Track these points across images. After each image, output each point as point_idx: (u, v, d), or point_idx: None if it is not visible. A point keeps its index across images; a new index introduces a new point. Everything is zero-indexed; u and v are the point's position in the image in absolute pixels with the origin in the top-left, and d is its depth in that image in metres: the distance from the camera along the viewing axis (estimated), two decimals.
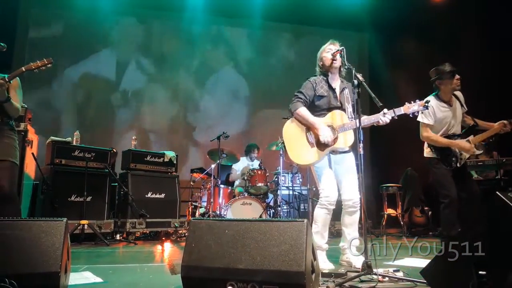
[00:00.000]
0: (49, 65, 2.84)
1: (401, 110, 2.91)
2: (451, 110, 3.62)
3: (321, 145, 2.97)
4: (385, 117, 2.88)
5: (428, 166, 3.72)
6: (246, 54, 8.62)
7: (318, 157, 2.96)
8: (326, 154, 2.98)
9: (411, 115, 2.91)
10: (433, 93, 3.66)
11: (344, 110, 3.06)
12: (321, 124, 2.95)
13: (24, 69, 2.79)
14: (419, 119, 3.57)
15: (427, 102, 2.88)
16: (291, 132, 3.08)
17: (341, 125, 2.96)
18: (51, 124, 6.94)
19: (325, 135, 2.91)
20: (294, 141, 3.04)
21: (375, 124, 2.97)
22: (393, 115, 2.91)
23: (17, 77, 2.91)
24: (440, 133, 3.62)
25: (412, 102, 2.91)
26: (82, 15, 7.54)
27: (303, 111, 3.01)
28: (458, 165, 3.53)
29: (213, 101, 8.28)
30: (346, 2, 7.71)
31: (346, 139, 2.95)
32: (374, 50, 8.72)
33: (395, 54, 7.93)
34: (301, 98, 3.05)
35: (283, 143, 3.22)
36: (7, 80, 2.69)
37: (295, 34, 8.85)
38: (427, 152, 3.71)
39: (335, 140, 2.96)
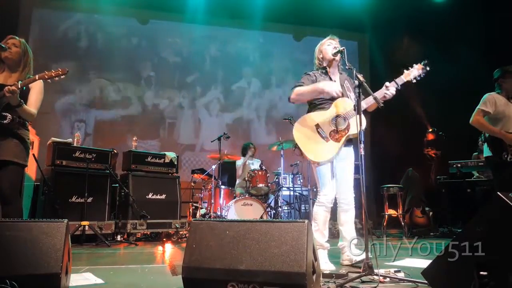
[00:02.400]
0: (63, 76, 2.81)
1: (402, 79, 2.91)
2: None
3: (336, 135, 2.93)
4: (389, 90, 2.87)
5: (488, 166, 3.90)
6: (247, 54, 8.62)
7: (337, 149, 2.92)
8: (343, 144, 2.94)
9: (413, 81, 2.89)
10: (495, 92, 3.83)
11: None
12: (322, 82, 2.95)
13: (37, 77, 2.77)
14: (478, 106, 3.73)
15: (425, 62, 2.87)
16: (302, 133, 3.01)
17: (349, 111, 2.94)
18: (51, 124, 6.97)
19: (331, 86, 2.89)
20: (308, 141, 2.98)
21: (381, 100, 2.87)
22: (396, 86, 2.90)
23: (41, 80, 2.88)
24: (499, 127, 3.67)
25: (409, 68, 2.91)
26: (84, 16, 7.57)
27: (299, 88, 3.00)
28: (508, 159, 3.57)
29: (213, 100, 8.29)
30: (346, 2, 7.71)
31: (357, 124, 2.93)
32: (374, 50, 8.72)
33: (395, 54, 7.93)
34: (298, 86, 3.05)
35: (296, 146, 3.17)
36: (19, 87, 2.69)
37: (296, 35, 8.86)
38: (485, 152, 3.82)
39: (348, 127, 2.94)
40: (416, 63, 2.90)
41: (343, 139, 2.94)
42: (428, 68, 2.88)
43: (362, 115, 2.88)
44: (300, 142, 3.02)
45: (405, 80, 2.90)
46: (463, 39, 6.63)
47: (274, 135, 6.02)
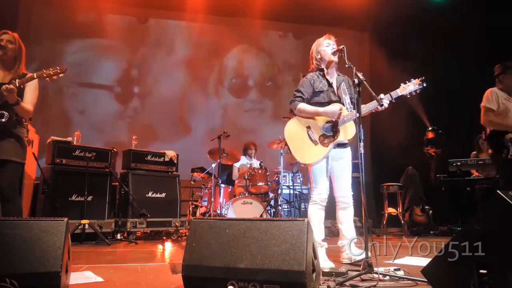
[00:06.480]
0: (61, 74, 2.79)
1: (397, 93, 2.95)
2: None
3: (324, 140, 2.96)
4: (382, 102, 2.89)
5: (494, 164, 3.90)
6: (246, 53, 8.61)
7: (323, 154, 2.95)
8: (331, 150, 2.97)
9: (408, 96, 2.94)
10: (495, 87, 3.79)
11: (342, 103, 3.06)
12: (323, 108, 2.97)
13: (35, 76, 2.76)
14: (482, 104, 3.69)
15: (422, 79, 2.90)
16: (293, 132, 3.06)
17: (341, 118, 2.95)
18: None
19: (332, 112, 2.92)
20: (297, 142, 3.03)
21: (373, 111, 2.99)
22: (390, 98, 2.93)
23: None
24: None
25: (407, 82, 2.94)
26: (83, 17, 7.55)
27: (302, 106, 3.02)
28: (509, 156, 3.55)
29: (214, 100, 8.29)
30: (346, 1, 7.69)
31: (347, 131, 2.95)
32: (374, 49, 8.70)
33: (395, 53, 7.91)
34: (299, 97, 3.06)
35: (286, 144, 3.21)
36: (17, 85, 2.69)
37: (296, 33, 8.85)
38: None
39: (337, 133, 2.96)
40: (415, 78, 2.94)
41: (331, 145, 2.96)
42: (424, 85, 2.92)
43: (352, 124, 2.91)
44: (289, 141, 3.06)
45: (400, 94, 2.95)
46: (464, 38, 6.61)
47: (275, 135, 6.01)
